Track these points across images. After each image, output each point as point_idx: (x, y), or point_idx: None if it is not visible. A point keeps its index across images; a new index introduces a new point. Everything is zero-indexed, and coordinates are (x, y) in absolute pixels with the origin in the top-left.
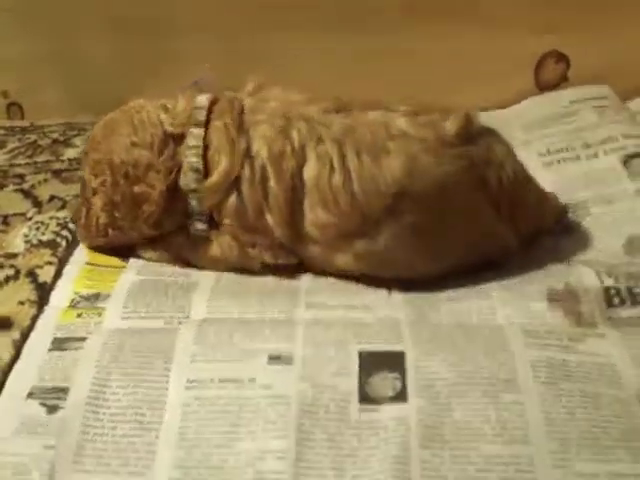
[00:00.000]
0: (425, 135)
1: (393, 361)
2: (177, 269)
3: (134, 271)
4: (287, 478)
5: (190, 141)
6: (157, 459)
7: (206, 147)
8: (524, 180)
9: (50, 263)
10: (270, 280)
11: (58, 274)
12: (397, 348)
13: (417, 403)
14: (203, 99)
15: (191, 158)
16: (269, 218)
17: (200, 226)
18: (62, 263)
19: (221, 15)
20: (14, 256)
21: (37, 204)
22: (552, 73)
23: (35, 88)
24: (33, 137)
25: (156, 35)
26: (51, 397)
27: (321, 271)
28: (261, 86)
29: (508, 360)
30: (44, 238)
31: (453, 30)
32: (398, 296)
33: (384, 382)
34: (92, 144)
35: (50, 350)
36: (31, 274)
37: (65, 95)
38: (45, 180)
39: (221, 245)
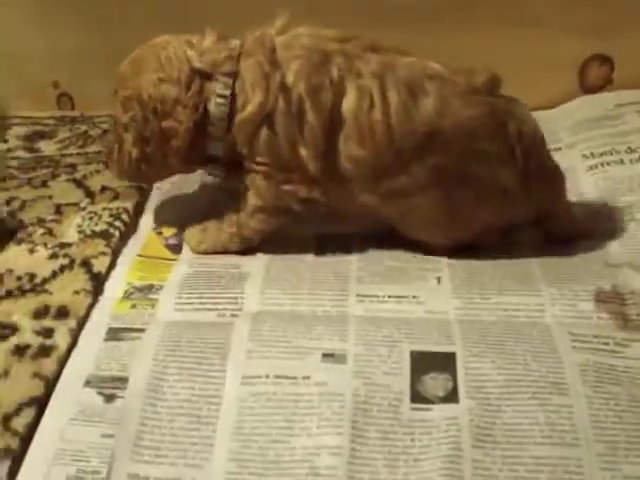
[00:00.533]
0: (457, 79)
1: (444, 362)
2: (228, 260)
3: (186, 263)
4: (341, 474)
5: (219, 87)
6: (214, 452)
7: (238, 79)
8: (542, 140)
9: (104, 253)
10: (320, 266)
11: (112, 265)
12: (448, 349)
13: (468, 404)
14: (234, 41)
15: (219, 94)
16: (303, 152)
17: (214, 170)
18: (115, 254)
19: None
20: (68, 245)
21: (89, 194)
22: (596, 76)
23: (85, 79)
24: (83, 127)
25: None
26: (108, 386)
27: (362, 240)
28: (289, 23)
29: (556, 363)
30: (97, 229)
31: (497, 32)
32: (447, 285)
33: (435, 382)
34: (121, 81)
35: (106, 340)
36: (85, 264)
37: (114, 86)
38: (97, 171)
39: (257, 190)
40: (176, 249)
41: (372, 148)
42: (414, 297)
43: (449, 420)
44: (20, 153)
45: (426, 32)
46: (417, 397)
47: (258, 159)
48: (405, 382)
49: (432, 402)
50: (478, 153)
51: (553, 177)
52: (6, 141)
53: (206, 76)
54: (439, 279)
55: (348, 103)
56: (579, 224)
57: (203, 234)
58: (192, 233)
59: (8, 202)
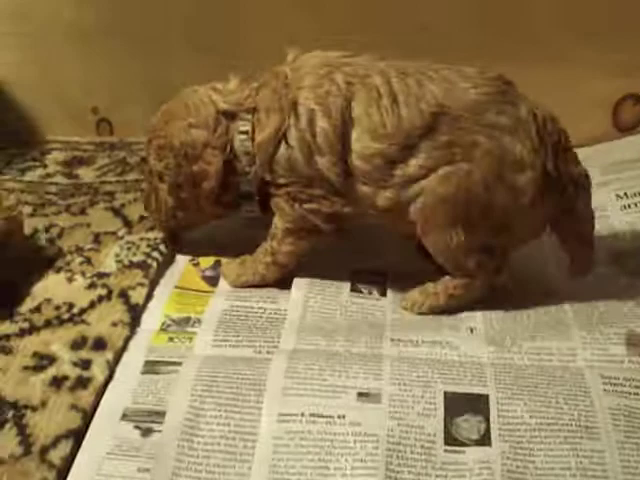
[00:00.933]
0: (464, 69)
1: (477, 404)
2: (264, 293)
3: (223, 296)
4: None
5: (241, 124)
6: None
7: (256, 113)
8: (556, 122)
9: (142, 285)
10: (355, 308)
11: (149, 296)
12: (481, 391)
13: (501, 447)
14: (246, 88)
15: (241, 130)
16: (319, 160)
17: (249, 207)
18: (152, 285)
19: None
20: (106, 276)
21: (127, 223)
22: (630, 115)
23: (124, 105)
24: (122, 154)
25: (238, 61)
26: (145, 420)
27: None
28: (300, 55)
29: (588, 407)
30: (135, 259)
31: (531, 71)
32: (480, 333)
33: (469, 424)
34: (154, 132)
35: (143, 372)
36: (123, 295)
37: (152, 113)
38: (135, 200)
39: (282, 212)
40: (213, 281)
41: (384, 137)
42: (447, 342)
43: (482, 464)
44: (59, 179)
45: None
46: (450, 439)
47: (280, 181)
48: (439, 424)
49: (465, 444)
50: (487, 126)
51: (569, 154)
52: (45, 166)
53: (231, 116)
54: (472, 329)
55: (359, 103)
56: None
57: (241, 267)
58: (230, 267)
59: (47, 229)
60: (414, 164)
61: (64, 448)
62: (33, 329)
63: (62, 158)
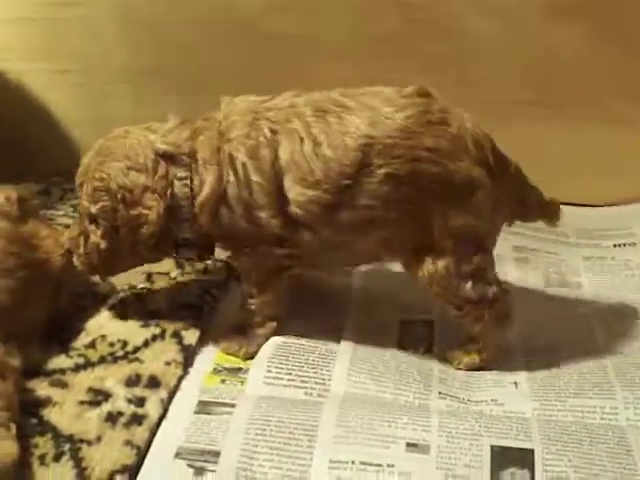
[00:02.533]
0: (382, 90)
1: (523, 458)
2: (314, 332)
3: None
4: None
5: (179, 170)
6: None
7: (193, 159)
8: (488, 135)
9: (194, 326)
10: (404, 357)
11: (201, 338)
12: (527, 445)
13: None
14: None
15: (180, 177)
16: (260, 215)
17: (187, 253)
18: (204, 327)
19: (360, 44)
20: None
21: (179, 265)
22: None
23: None
24: None
25: (295, 59)
26: (198, 459)
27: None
28: (231, 100)
29: (630, 465)
30: (187, 300)
31: (578, 125)
32: (525, 389)
33: (514, 477)
34: (87, 173)
35: (196, 412)
36: (176, 335)
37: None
38: None
39: (241, 268)
40: None
41: (314, 183)
42: (492, 400)
43: None
44: None
45: (507, 123)
46: None
47: (224, 237)
48: (485, 476)
49: None
50: (424, 152)
51: (510, 165)
52: None
53: (170, 158)
54: (516, 384)
55: (284, 151)
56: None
57: (237, 340)
58: (230, 344)
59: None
60: (363, 202)
61: None
62: (88, 364)
63: None
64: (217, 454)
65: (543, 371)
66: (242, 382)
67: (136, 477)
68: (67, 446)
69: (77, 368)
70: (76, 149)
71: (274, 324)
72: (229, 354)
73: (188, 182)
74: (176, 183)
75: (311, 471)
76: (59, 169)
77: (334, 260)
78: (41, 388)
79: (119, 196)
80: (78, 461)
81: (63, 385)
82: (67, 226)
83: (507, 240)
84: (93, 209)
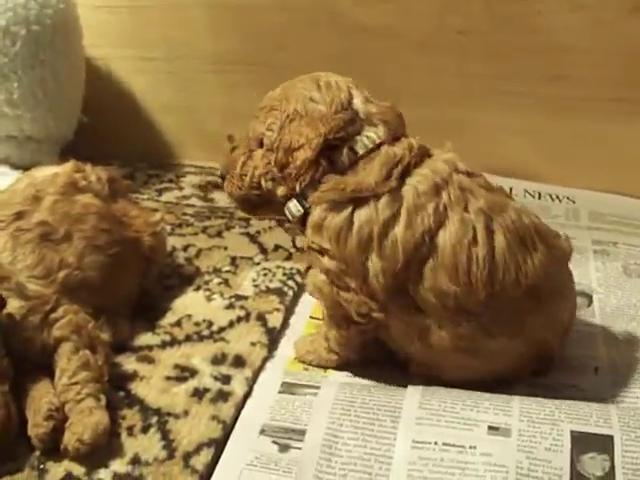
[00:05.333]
0: (559, 244)
1: (602, 443)
2: None
3: None
4: None
5: (366, 138)
6: None
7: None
8: None
9: (278, 310)
10: None
11: (285, 323)
12: (606, 432)
13: None
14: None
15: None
16: (376, 262)
17: (293, 209)
18: (288, 312)
19: (431, 87)
20: (244, 298)
21: (263, 251)
22: None
23: None
24: None
25: (381, 51)
26: (282, 436)
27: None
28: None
29: None
30: (271, 285)
31: None
32: (606, 376)
33: (594, 462)
34: (269, 99)
35: (280, 392)
36: (261, 318)
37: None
38: (270, 228)
39: (321, 293)
40: None
41: (466, 286)
42: (573, 386)
43: None
44: (195, 201)
45: (589, 118)
46: (576, 475)
47: (324, 246)
48: (565, 459)
49: None
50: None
51: None
52: (181, 188)
53: (362, 119)
54: (596, 370)
55: (447, 233)
56: None
57: (310, 345)
58: (301, 342)
59: (185, 248)
60: (485, 322)
61: (206, 455)
62: (174, 342)
63: (197, 181)
64: (301, 432)
65: (623, 358)
66: (325, 369)
67: (222, 451)
68: (154, 419)
69: (164, 345)
70: (160, 135)
71: (338, 362)
72: (297, 347)
73: (364, 151)
74: (358, 141)
75: (394, 450)
76: (143, 155)
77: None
78: (129, 363)
79: (291, 116)
80: (165, 433)
81: (150, 361)
82: (153, 209)
83: (587, 233)
84: (262, 128)
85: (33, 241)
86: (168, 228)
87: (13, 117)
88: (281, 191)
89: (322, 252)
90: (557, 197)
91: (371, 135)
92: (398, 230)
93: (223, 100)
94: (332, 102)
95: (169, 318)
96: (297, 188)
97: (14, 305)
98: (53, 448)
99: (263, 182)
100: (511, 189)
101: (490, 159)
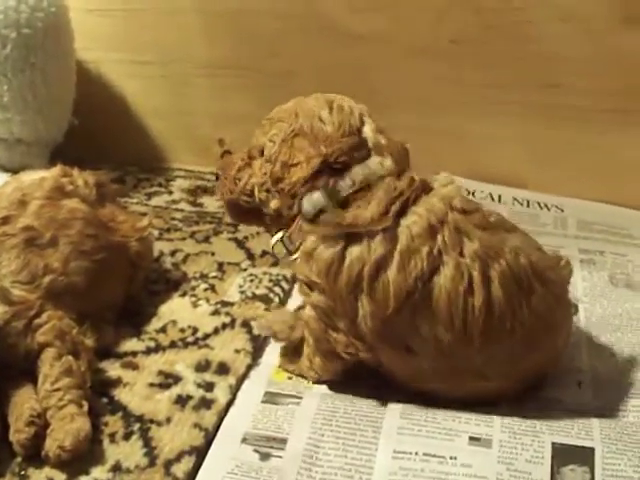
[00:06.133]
0: (556, 277)
1: (583, 455)
2: None
3: None
4: None
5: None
6: None
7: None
8: None
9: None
10: None
11: None
12: (587, 444)
13: None
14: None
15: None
16: (366, 304)
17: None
18: None
19: (422, 94)
20: (230, 304)
21: (250, 256)
22: None
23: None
24: None
25: (374, 58)
26: (264, 445)
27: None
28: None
29: None
30: (258, 292)
31: None
32: (588, 389)
33: (574, 474)
34: (279, 110)
35: (263, 402)
36: (246, 325)
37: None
38: (257, 233)
39: (307, 325)
40: None
41: (461, 334)
42: (556, 398)
43: None
44: (184, 206)
45: (583, 128)
46: None
47: (313, 279)
48: (546, 471)
49: None
50: None
51: None
52: (171, 192)
53: (369, 148)
54: (580, 384)
55: (442, 279)
56: None
57: (294, 354)
58: (285, 350)
59: (172, 253)
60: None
61: (187, 463)
62: (159, 348)
63: (187, 186)
64: (283, 441)
65: (606, 370)
66: (308, 381)
67: (203, 459)
68: (137, 426)
69: (148, 351)
70: (151, 139)
71: (317, 380)
72: (280, 354)
73: (357, 186)
74: (354, 170)
75: (375, 460)
76: (134, 158)
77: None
78: (112, 369)
79: (296, 131)
80: (147, 440)
81: (134, 367)
82: (142, 214)
83: (574, 242)
84: (263, 138)
85: (18, 246)
86: (156, 233)
87: (3, 120)
88: (274, 204)
89: (311, 285)
90: (546, 205)
91: (376, 165)
92: (390, 273)
93: (215, 105)
94: (340, 125)
95: (154, 324)
96: (293, 208)
97: None
98: (34, 454)
99: (257, 191)
100: (500, 197)
101: (480, 166)
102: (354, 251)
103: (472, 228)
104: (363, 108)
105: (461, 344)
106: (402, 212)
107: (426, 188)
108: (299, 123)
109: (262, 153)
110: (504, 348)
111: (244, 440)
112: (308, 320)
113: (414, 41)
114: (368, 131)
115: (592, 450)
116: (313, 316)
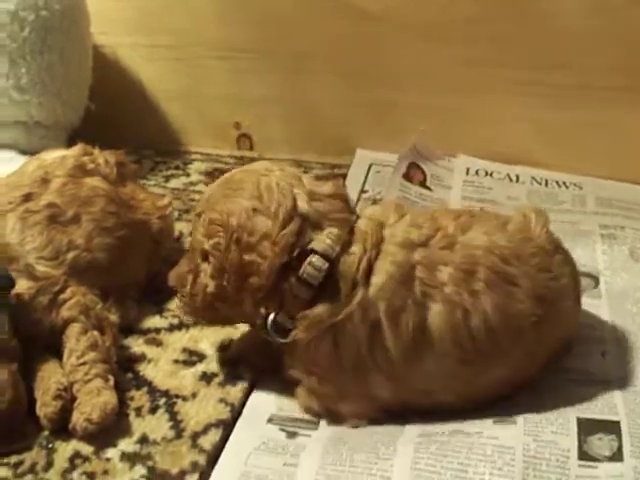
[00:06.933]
0: (532, 249)
1: (610, 426)
2: None
3: None
4: None
5: (322, 246)
6: None
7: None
8: None
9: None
10: None
11: None
12: (613, 418)
13: (632, 463)
14: (348, 216)
15: (320, 252)
16: (373, 377)
17: (276, 337)
18: None
19: (438, 75)
20: None
21: None
22: None
23: (266, 123)
24: None
25: (380, 87)
26: (291, 425)
27: None
28: (401, 215)
29: None
30: None
31: None
32: (611, 360)
33: (601, 442)
34: (208, 203)
35: None
36: None
37: (292, 133)
38: None
39: (308, 391)
40: None
41: (476, 358)
42: (583, 369)
43: (614, 478)
44: (201, 188)
45: (594, 106)
46: (584, 456)
47: (322, 373)
48: (572, 441)
49: (598, 460)
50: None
51: None
52: (188, 175)
53: (314, 224)
54: (604, 353)
55: (436, 318)
56: None
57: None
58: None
59: (191, 234)
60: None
61: (214, 435)
62: (182, 326)
63: (204, 168)
64: (310, 422)
65: (629, 341)
66: None
67: (230, 434)
68: (162, 400)
69: (171, 328)
70: (167, 123)
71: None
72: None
73: (327, 263)
74: (311, 258)
75: (403, 428)
76: (150, 142)
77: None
78: (137, 345)
79: (235, 235)
80: (173, 414)
81: (158, 344)
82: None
83: (593, 218)
84: (206, 244)
85: (42, 223)
86: (175, 214)
87: (21, 102)
88: (247, 305)
89: (311, 373)
90: (564, 184)
91: (326, 249)
92: (389, 343)
93: (230, 87)
94: (276, 214)
95: (176, 302)
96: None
97: (23, 286)
98: (61, 428)
99: (216, 303)
100: (518, 176)
101: (496, 147)
102: (345, 339)
103: (440, 253)
104: (290, 174)
105: (475, 362)
106: (369, 277)
107: (380, 237)
108: (235, 223)
109: (205, 257)
110: (518, 347)
111: (270, 420)
112: (311, 405)
113: (427, 19)
114: (303, 205)
115: (618, 423)
116: (316, 403)
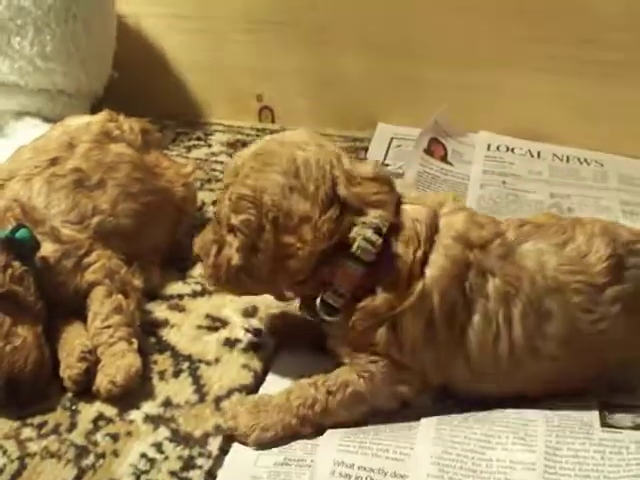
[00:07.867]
0: (578, 285)
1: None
2: None
3: None
4: None
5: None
6: (415, 454)
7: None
8: None
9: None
10: None
11: None
12: (636, 403)
13: None
14: (394, 194)
15: (366, 243)
16: (428, 357)
17: (327, 317)
18: None
19: (461, 49)
20: None
21: None
22: None
23: (288, 95)
24: None
25: (403, 60)
26: None
27: None
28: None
29: None
30: None
31: None
32: None
33: (624, 414)
34: (237, 176)
35: None
36: None
37: (314, 106)
38: None
39: (369, 379)
40: None
41: (495, 374)
42: None
43: (638, 444)
44: (223, 158)
45: (612, 82)
46: (607, 425)
47: (379, 350)
48: (595, 413)
49: (621, 428)
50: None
51: None
52: (210, 146)
53: (353, 210)
54: None
55: (474, 329)
56: None
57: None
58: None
59: (214, 202)
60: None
61: None
62: (205, 292)
63: (225, 139)
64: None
65: None
66: None
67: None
68: (186, 364)
69: (194, 295)
70: (189, 94)
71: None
72: None
73: (375, 243)
74: (358, 240)
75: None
76: (172, 113)
77: None
78: (160, 311)
79: (271, 215)
80: (196, 378)
81: (181, 309)
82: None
83: (615, 194)
84: (234, 219)
85: (67, 187)
86: (198, 183)
87: (46, 70)
88: (280, 286)
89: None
90: (585, 160)
91: (378, 224)
92: (441, 333)
93: (253, 59)
94: (315, 197)
95: (198, 269)
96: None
97: (48, 249)
98: (85, 390)
99: (242, 276)
100: (539, 153)
101: (519, 122)
102: (404, 328)
103: (492, 263)
104: (330, 152)
105: (495, 378)
106: (423, 268)
107: (434, 226)
108: (269, 202)
109: (231, 229)
110: (538, 382)
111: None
112: (373, 375)
113: None
114: (342, 189)
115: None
116: (380, 376)
